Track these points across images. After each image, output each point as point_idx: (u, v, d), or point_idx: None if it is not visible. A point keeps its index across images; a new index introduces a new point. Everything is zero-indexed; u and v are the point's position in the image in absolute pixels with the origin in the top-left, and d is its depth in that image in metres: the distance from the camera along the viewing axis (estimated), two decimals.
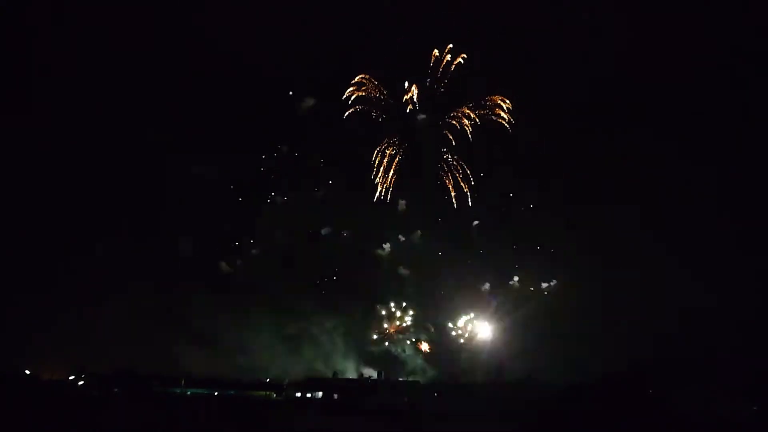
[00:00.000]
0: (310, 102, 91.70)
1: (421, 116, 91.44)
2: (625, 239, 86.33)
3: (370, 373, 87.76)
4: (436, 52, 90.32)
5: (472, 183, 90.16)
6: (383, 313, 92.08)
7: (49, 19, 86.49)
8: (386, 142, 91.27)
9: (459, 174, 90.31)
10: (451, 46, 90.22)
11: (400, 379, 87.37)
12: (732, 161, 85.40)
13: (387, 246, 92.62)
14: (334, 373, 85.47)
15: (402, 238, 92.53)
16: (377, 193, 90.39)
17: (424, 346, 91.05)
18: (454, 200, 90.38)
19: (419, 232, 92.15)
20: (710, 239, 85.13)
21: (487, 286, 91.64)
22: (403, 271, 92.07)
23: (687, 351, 78.53)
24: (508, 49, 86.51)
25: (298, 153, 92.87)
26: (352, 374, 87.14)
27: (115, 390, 77.41)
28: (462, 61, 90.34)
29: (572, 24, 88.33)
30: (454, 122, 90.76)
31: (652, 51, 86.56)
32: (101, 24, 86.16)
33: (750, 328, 79.08)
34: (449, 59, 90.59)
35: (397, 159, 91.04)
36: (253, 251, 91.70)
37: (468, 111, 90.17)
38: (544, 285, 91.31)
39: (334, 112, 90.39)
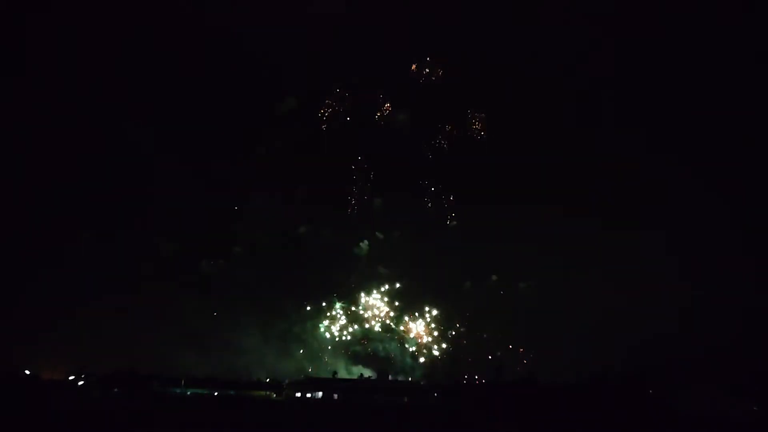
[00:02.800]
0: (290, 104, 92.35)
1: (398, 128, 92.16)
2: (624, 239, 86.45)
3: (369, 373, 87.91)
4: (414, 66, 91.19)
5: (451, 198, 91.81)
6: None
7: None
8: (362, 154, 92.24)
9: (438, 190, 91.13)
10: (428, 59, 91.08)
11: (400, 379, 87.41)
12: (729, 160, 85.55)
13: (365, 244, 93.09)
14: (334, 373, 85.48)
15: (380, 236, 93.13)
16: (351, 203, 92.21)
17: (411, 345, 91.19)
18: (430, 204, 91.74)
19: (398, 231, 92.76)
20: (710, 239, 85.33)
21: (468, 284, 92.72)
22: (383, 269, 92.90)
23: (687, 351, 78.65)
24: (486, 61, 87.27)
25: (276, 155, 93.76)
26: (342, 374, 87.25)
27: (115, 390, 77.56)
28: (439, 75, 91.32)
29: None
30: (432, 137, 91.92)
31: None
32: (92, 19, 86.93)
33: (750, 328, 79.17)
34: (427, 72, 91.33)
35: (371, 171, 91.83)
36: (236, 250, 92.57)
37: (445, 124, 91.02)
38: (522, 285, 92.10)
39: (313, 119, 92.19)
